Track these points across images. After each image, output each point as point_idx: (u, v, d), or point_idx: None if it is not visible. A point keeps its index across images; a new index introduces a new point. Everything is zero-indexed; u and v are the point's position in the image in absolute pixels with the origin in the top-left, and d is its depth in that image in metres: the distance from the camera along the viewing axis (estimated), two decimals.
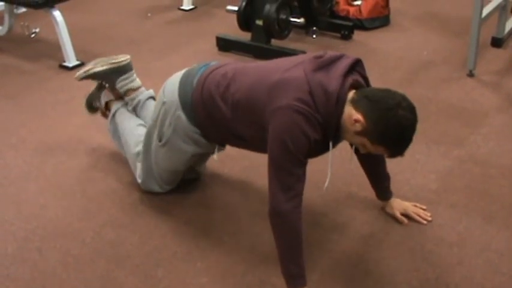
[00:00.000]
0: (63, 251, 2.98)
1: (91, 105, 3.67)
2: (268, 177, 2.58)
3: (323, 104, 2.50)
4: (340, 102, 2.52)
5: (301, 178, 2.58)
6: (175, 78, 3.05)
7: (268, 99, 2.58)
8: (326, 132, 2.57)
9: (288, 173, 2.54)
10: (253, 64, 2.86)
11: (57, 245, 3.02)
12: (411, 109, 2.51)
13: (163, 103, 3.02)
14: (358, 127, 2.50)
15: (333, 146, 2.65)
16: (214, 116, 2.87)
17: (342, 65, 2.59)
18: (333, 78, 2.54)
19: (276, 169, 2.56)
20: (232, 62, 2.97)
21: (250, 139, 2.82)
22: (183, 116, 2.97)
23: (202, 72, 2.97)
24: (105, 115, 3.61)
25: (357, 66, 2.62)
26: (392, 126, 2.46)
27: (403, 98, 2.52)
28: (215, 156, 3.18)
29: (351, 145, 2.92)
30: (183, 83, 2.99)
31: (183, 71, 3.08)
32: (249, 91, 2.71)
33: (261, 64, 2.84)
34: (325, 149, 2.68)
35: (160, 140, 3.09)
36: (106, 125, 3.55)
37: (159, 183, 3.29)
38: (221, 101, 2.81)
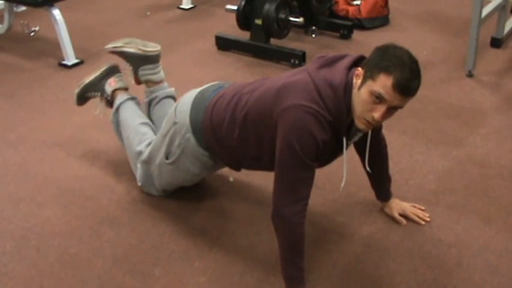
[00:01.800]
0: (61, 250, 2.98)
1: (83, 96, 3.61)
2: (274, 179, 2.57)
3: (331, 99, 2.48)
4: (347, 93, 2.49)
5: (307, 182, 2.56)
6: (189, 99, 3.04)
7: (274, 102, 2.56)
8: (338, 130, 2.55)
9: (293, 176, 2.52)
10: (259, 81, 2.84)
11: (55, 243, 3.02)
12: (407, 50, 2.45)
13: (174, 123, 3.01)
14: (359, 81, 2.45)
15: (347, 145, 2.64)
16: (224, 141, 2.87)
17: (346, 61, 2.58)
18: (337, 73, 2.52)
19: (281, 171, 2.54)
20: (242, 83, 2.95)
21: (262, 157, 2.79)
22: (192, 139, 2.97)
23: (213, 97, 2.95)
24: (109, 104, 3.59)
25: (360, 62, 2.60)
26: (387, 54, 2.40)
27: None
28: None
29: (357, 150, 2.95)
30: (195, 106, 2.98)
31: (197, 91, 3.07)
32: (256, 102, 2.69)
33: (266, 80, 2.81)
34: (338, 151, 2.68)
35: (167, 158, 3.09)
36: (109, 117, 3.53)
37: (157, 189, 3.30)
38: (230, 124, 2.80)
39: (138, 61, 3.47)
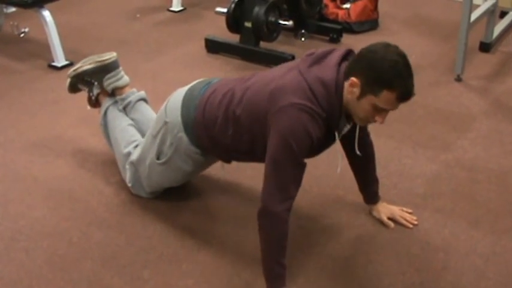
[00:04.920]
0: (50, 251, 2.98)
1: (75, 86, 3.64)
2: (264, 176, 2.58)
3: (324, 96, 2.52)
4: (338, 89, 2.54)
5: (297, 181, 2.60)
6: (178, 97, 3.05)
7: (269, 103, 2.59)
8: (330, 126, 2.59)
9: (286, 174, 2.55)
10: (251, 78, 2.86)
11: (44, 244, 3.02)
12: (391, 46, 2.50)
13: (165, 123, 3.02)
14: (356, 91, 2.49)
15: (339, 136, 2.69)
16: (217, 138, 2.89)
17: (335, 56, 2.62)
18: (327, 69, 2.56)
19: (274, 168, 2.56)
20: (232, 79, 2.97)
21: (255, 154, 2.81)
22: (185, 138, 2.98)
23: (203, 94, 2.96)
24: (91, 103, 3.60)
25: (349, 56, 2.64)
26: (381, 64, 2.43)
27: (381, 43, 2.53)
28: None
29: (344, 146, 2.96)
30: (186, 104, 2.99)
31: (186, 89, 3.08)
32: (250, 101, 2.71)
33: (258, 77, 2.83)
34: (329, 143, 2.72)
35: (158, 158, 3.09)
36: (98, 119, 3.54)
37: (145, 191, 3.30)
38: (223, 122, 2.82)
39: (100, 73, 3.48)
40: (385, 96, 2.45)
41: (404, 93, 2.45)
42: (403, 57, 2.47)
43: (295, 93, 2.53)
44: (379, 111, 2.53)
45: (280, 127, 2.53)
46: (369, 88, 2.46)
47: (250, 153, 2.85)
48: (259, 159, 2.74)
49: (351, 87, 2.50)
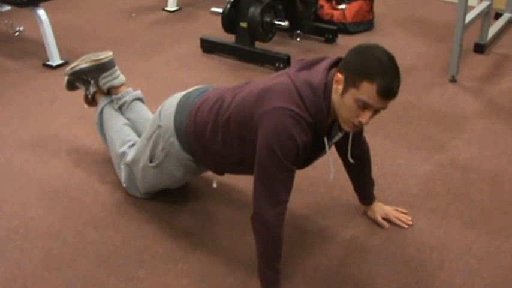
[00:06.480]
0: (44, 251, 2.97)
1: (73, 84, 3.66)
2: (253, 182, 2.58)
3: (311, 100, 2.49)
4: (327, 93, 2.51)
5: (287, 185, 2.58)
6: (173, 102, 3.04)
7: (256, 105, 2.57)
8: (318, 131, 2.56)
9: (273, 179, 2.53)
10: (243, 85, 2.84)
11: (39, 244, 3.01)
12: (382, 47, 2.50)
13: (159, 126, 3.02)
14: (340, 87, 2.46)
15: (329, 144, 2.66)
16: (207, 145, 2.88)
17: (325, 63, 2.60)
18: (316, 74, 2.54)
19: (262, 174, 2.55)
20: (225, 88, 2.96)
21: (244, 161, 2.78)
22: (176, 143, 2.97)
23: (196, 101, 2.96)
24: (88, 102, 3.62)
25: (339, 63, 2.62)
26: (365, 58, 2.43)
27: (373, 43, 2.54)
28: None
29: (338, 151, 2.96)
30: (180, 110, 2.98)
31: (182, 94, 3.08)
32: (238, 106, 2.70)
33: (249, 84, 2.81)
34: (319, 151, 2.69)
35: (151, 161, 3.09)
36: (93, 118, 3.54)
37: (140, 192, 3.30)
38: (213, 128, 2.81)
39: (96, 72, 3.49)
40: (365, 88, 2.38)
41: (384, 87, 2.37)
42: (390, 56, 2.45)
43: (281, 97, 2.51)
44: (362, 109, 2.44)
45: (264, 132, 2.51)
46: (351, 81, 2.41)
47: (240, 162, 2.83)
48: (250, 169, 2.71)
49: (336, 84, 2.48)
